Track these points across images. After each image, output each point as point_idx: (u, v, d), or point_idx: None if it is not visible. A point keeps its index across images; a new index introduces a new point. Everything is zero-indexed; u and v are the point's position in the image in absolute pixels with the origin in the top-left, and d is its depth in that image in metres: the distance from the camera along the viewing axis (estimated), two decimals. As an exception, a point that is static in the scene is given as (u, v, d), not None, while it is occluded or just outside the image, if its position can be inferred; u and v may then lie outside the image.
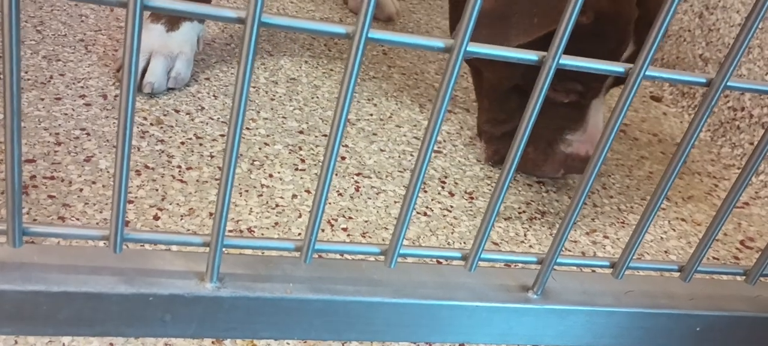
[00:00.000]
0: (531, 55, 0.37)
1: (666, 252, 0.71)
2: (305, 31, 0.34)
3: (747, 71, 0.94)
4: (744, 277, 0.51)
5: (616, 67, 0.41)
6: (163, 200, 0.61)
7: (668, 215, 0.77)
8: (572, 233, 0.71)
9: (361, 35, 0.34)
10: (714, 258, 0.72)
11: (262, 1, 0.32)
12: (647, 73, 0.41)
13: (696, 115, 0.43)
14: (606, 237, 0.71)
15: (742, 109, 0.93)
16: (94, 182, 0.61)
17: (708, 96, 0.43)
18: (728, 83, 0.43)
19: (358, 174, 0.72)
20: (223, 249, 0.39)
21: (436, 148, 0.79)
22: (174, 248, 0.53)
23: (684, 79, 0.44)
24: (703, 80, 0.43)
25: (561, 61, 0.37)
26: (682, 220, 0.77)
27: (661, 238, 0.73)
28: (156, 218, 0.59)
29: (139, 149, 0.67)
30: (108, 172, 0.63)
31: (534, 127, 0.40)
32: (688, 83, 0.43)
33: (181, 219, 0.59)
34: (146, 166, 0.65)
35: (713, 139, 0.96)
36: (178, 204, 0.61)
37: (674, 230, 0.75)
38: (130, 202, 0.60)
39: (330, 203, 0.66)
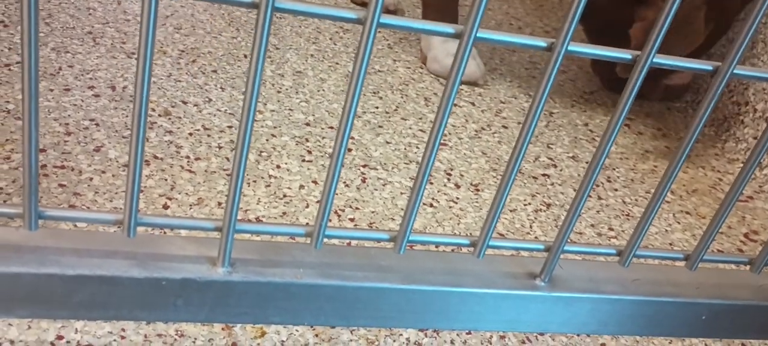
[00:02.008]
0: (539, 42, 0.37)
1: (671, 244, 0.71)
2: (318, 16, 0.34)
3: (751, 66, 0.94)
4: (749, 266, 0.51)
5: (624, 54, 0.41)
6: (172, 189, 0.62)
7: (673, 207, 0.78)
8: (577, 225, 0.71)
9: (372, 20, 0.34)
10: (718, 251, 0.73)
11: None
12: (654, 60, 0.42)
13: (702, 104, 0.44)
14: (611, 229, 0.71)
15: (746, 103, 0.94)
16: (103, 172, 0.62)
17: (714, 84, 0.44)
18: (735, 71, 0.43)
19: (364, 166, 0.72)
20: (235, 235, 0.40)
21: (441, 140, 0.80)
22: (185, 233, 0.54)
23: (691, 66, 0.44)
24: (710, 68, 0.43)
25: (570, 48, 0.38)
26: (687, 213, 0.77)
27: (666, 230, 0.73)
28: (165, 206, 0.60)
29: (148, 140, 0.68)
30: (117, 161, 0.64)
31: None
32: (694, 70, 0.44)
33: (190, 208, 0.60)
34: (155, 157, 0.65)
35: (718, 134, 0.97)
36: (187, 193, 0.62)
37: (679, 222, 0.75)
38: (140, 191, 0.61)
39: (337, 194, 0.67)
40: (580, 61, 1.09)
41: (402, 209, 0.67)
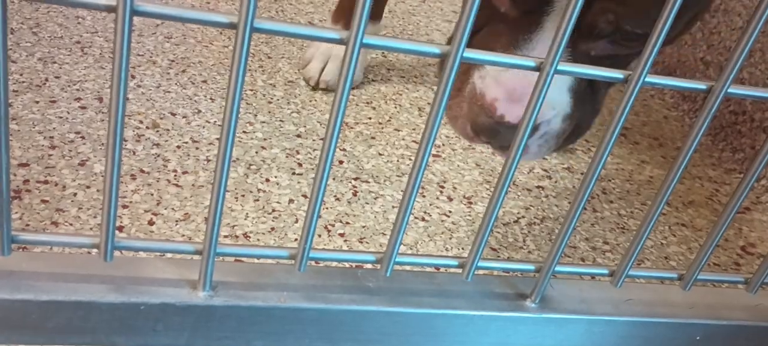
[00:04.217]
0: (529, 62, 0.36)
1: (666, 258, 0.70)
2: (298, 36, 0.33)
3: (748, 75, 0.93)
4: (745, 285, 0.50)
5: (616, 74, 0.40)
6: (158, 204, 0.61)
7: (669, 220, 0.77)
8: (572, 238, 0.70)
9: (355, 41, 0.33)
10: (715, 264, 0.71)
11: (255, 5, 0.32)
12: (647, 79, 0.41)
13: (696, 122, 0.43)
14: (606, 243, 0.70)
15: (744, 113, 0.93)
16: (88, 187, 0.60)
17: (708, 103, 0.43)
18: (729, 90, 0.43)
19: (355, 178, 0.71)
20: (217, 257, 0.38)
21: (434, 152, 0.79)
22: (167, 255, 0.53)
23: (684, 85, 0.43)
24: (703, 87, 0.42)
25: (559, 68, 0.37)
26: (683, 225, 0.76)
27: (662, 243, 0.72)
28: (151, 223, 0.59)
29: (134, 153, 0.67)
30: (103, 176, 0.63)
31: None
32: (688, 90, 0.43)
33: (176, 224, 0.59)
34: (142, 171, 0.64)
35: (714, 143, 0.96)
36: (173, 209, 0.61)
37: (674, 235, 0.74)
38: (125, 206, 0.60)
39: (327, 208, 0.66)
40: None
41: (394, 223, 0.66)
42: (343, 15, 0.86)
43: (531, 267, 0.44)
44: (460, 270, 0.42)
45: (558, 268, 0.44)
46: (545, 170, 0.80)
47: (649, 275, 0.49)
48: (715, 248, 0.74)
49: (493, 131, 0.54)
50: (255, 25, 0.33)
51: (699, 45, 1.03)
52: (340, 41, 0.35)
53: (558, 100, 0.55)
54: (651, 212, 0.45)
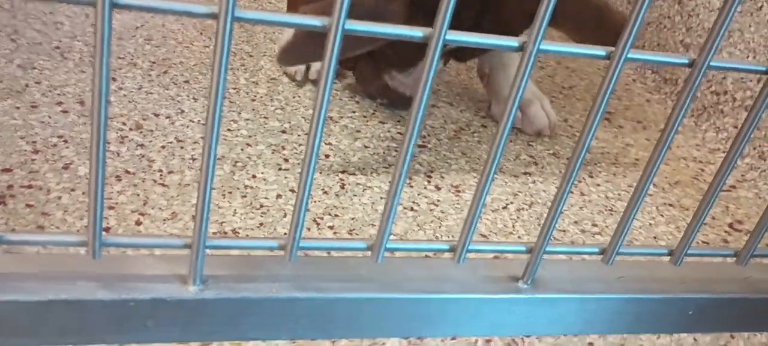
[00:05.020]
0: (512, 42, 0.36)
1: (655, 238, 0.70)
2: (279, 24, 0.33)
3: (728, 55, 0.94)
4: (735, 259, 0.51)
5: (598, 51, 0.40)
6: (144, 204, 0.60)
7: (656, 200, 0.77)
8: (560, 222, 0.70)
9: (337, 28, 0.33)
10: (703, 242, 0.72)
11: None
12: (629, 55, 0.41)
13: (679, 98, 0.43)
14: (594, 225, 0.71)
15: (725, 92, 0.93)
16: (73, 189, 0.60)
17: (691, 77, 0.43)
18: (711, 63, 0.43)
19: (342, 172, 0.71)
20: (206, 251, 0.38)
21: (420, 142, 0.79)
22: (157, 251, 0.53)
23: (666, 60, 0.43)
24: (686, 61, 0.43)
25: (541, 47, 0.37)
26: (670, 205, 0.77)
27: (650, 224, 0.73)
28: (138, 223, 0.58)
29: (118, 155, 0.66)
30: (87, 179, 0.62)
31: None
32: (670, 65, 0.43)
33: (164, 223, 0.58)
34: (127, 172, 0.64)
35: (697, 124, 0.96)
36: (160, 208, 0.60)
37: (662, 215, 0.75)
38: (111, 208, 0.59)
39: (315, 202, 0.66)
40: (557, 56, 1.08)
41: (382, 214, 0.66)
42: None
43: (522, 248, 0.44)
44: (451, 255, 0.42)
45: (549, 248, 0.44)
46: (531, 157, 0.81)
47: (640, 251, 0.49)
48: (703, 225, 0.75)
49: (402, 102, 0.84)
50: (236, 14, 0.33)
51: (678, 28, 1.04)
52: (321, 28, 0.35)
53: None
54: (638, 189, 0.45)
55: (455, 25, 0.52)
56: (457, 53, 0.80)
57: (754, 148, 0.87)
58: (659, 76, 1.07)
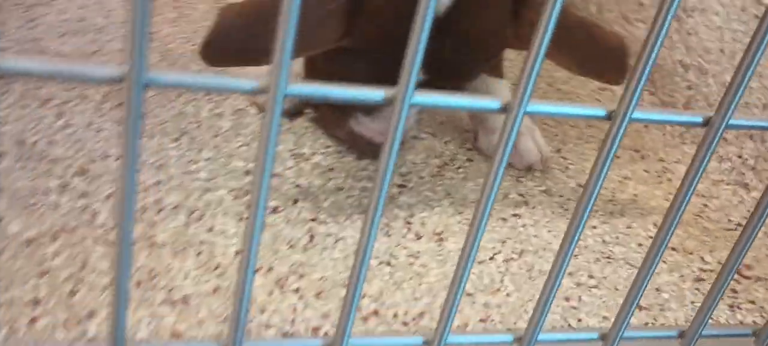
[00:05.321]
0: (495, 103, 0.30)
1: (658, 290, 0.64)
2: (209, 89, 0.26)
3: (742, 102, 0.88)
4: (753, 339, 0.44)
5: (598, 112, 0.34)
6: (82, 268, 0.53)
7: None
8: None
9: (275, 92, 0.27)
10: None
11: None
12: (634, 115, 0.34)
13: (694, 160, 0.37)
14: (591, 277, 0.64)
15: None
16: (1, 252, 0.53)
17: (707, 138, 0.37)
18: (730, 122, 0.36)
19: (312, 219, 0.64)
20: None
21: (400, 182, 0.72)
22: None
23: (677, 119, 0.37)
24: (700, 120, 0.36)
25: (528, 108, 0.30)
26: (673, 249, 0.70)
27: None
28: (73, 292, 0.51)
29: (57, 207, 0.59)
30: (21, 237, 0.55)
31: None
32: (682, 124, 0.37)
33: (102, 293, 0.51)
34: (64, 229, 0.57)
35: (697, 152, 0.90)
36: (100, 273, 0.53)
37: (664, 262, 0.68)
38: (44, 273, 0.52)
39: (280, 258, 0.59)
40: (548, 78, 1.02)
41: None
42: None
43: (509, 338, 0.37)
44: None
45: (541, 336, 0.38)
46: (521, 196, 0.74)
47: (646, 335, 0.43)
48: (710, 272, 0.68)
49: (371, 151, 0.73)
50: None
51: (676, 47, 0.97)
52: (260, 91, 0.29)
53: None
54: (644, 266, 0.39)
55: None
56: (432, 85, 0.71)
57: (761, 181, 0.81)
58: (656, 98, 1.00)
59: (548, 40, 0.32)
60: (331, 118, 0.73)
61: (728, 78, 0.88)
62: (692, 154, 0.88)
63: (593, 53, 0.67)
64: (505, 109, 0.31)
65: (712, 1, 0.93)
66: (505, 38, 0.66)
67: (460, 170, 0.76)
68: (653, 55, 0.32)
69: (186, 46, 0.88)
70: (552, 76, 1.01)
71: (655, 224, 0.74)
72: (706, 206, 0.79)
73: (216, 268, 0.56)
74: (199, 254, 0.57)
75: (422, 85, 0.29)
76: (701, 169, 0.38)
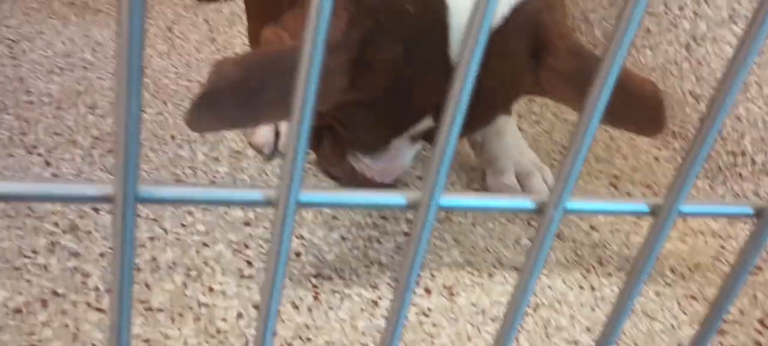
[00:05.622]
0: (529, 203, 0.26)
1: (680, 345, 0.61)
2: (212, 203, 0.22)
3: (745, 111, 0.85)
4: None
5: (641, 207, 0.31)
6: (74, 339, 0.49)
7: (676, 292, 0.68)
8: (571, 330, 0.60)
9: (286, 202, 0.23)
10: (734, 348, 0.62)
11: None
12: (682, 208, 0.31)
13: (741, 258, 0.34)
14: (610, 333, 0.60)
15: (743, 153, 0.84)
16: (-16, 326, 0.49)
17: (759, 229, 0.34)
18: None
19: (316, 275, 0.60)
20: None
21: (404, 229, 0.69)
22: None
23: (727, 211, 0.34)
24: (750, 212, 0.33)
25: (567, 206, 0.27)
26: (693, 298, 0.67)
27: (672, 326, 0.63)
28: (62, 370, 0.47)
29: (46, 269, 0.55)
30: (5, 306, 0.51)
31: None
32: (733, 216, 0.34)
33: (94, 371, 0.48)
34: (55, 293, 0.53)
35: (712, 188, 0.87)
36: (95, 343, 0.49)
37: (685, 312, 0.65)
38: (31, 348, 0.48)
39: (284, 321, 0.55)
40: (555, 109, 0.99)
41: (363, 333, 0.56)
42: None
43: None
44: None
45: None
46: (532, 241, 0.70)
47: None
48: (731, 324, 0.65)
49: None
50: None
51: (687, 76, 0.94)
52: (269, 203, 0.25)
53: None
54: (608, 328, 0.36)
55: (417, 97, 0.39)
56: (432, 135, 0.68)
57: (779, 220, 0.78)
58: (667, 129, 0.97)
59: (596, 122, 0.29)
60: (331, 157, 0.70)
61: (741, 109, 0.85)
62: (706, 190, 0.85)
63: (627, 104, 0.62)
64: (540, 209, 0.28)
65: (724, 30, 0.90)
66: (523, 84, 0.62)
67: (469, 214, 0.73)
68: (707, 148, 0.29)
69: (179, 83, 0.84)
70: (559, 106, 0.98)
71: (672, 269, 0.71)
72: (723, 247, 0.76)
73: (216, 333, 0.52)
74: (198, 319, 0.53)
75: (433, 131, 0.26)
76: (746, 271, 0.35)
